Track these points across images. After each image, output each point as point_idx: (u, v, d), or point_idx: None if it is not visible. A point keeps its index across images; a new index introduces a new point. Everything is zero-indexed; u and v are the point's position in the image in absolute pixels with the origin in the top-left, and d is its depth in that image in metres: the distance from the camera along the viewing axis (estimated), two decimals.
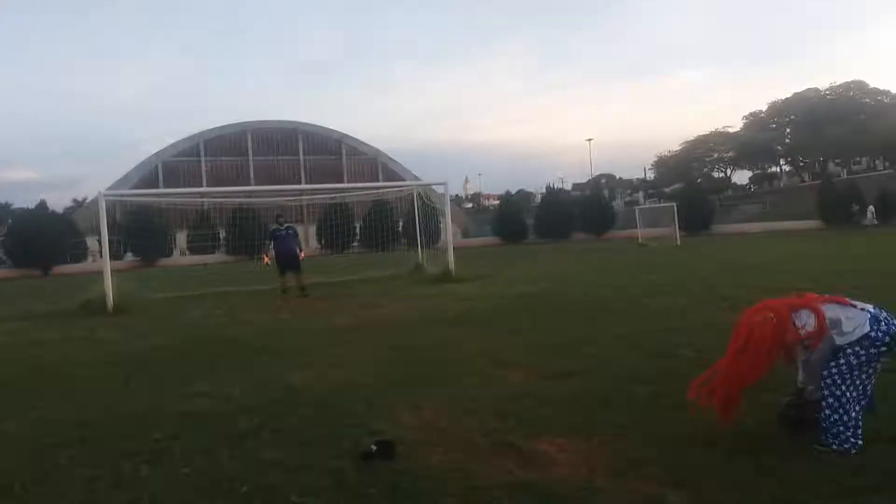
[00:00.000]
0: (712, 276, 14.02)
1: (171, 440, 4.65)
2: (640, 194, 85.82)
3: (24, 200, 46.29)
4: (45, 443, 4.68)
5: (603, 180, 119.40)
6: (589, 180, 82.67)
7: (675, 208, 32.25)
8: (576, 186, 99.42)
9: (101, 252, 41.24)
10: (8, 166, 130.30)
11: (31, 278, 34.35)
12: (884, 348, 3.91)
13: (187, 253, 46.76)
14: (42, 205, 41.33)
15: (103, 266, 13.72)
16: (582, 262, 21.70)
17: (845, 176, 64.43)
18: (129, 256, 43.98)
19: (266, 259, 15.04)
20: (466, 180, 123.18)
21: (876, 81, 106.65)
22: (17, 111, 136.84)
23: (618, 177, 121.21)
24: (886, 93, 75.42)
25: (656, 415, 4.73)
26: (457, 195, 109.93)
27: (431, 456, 4.16)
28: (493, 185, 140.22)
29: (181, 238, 47.21)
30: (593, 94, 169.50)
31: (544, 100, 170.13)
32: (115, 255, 42.11)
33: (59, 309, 13.76)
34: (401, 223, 39.16)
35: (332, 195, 39.84)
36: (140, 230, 38.90)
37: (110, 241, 42.15)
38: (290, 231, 15.00)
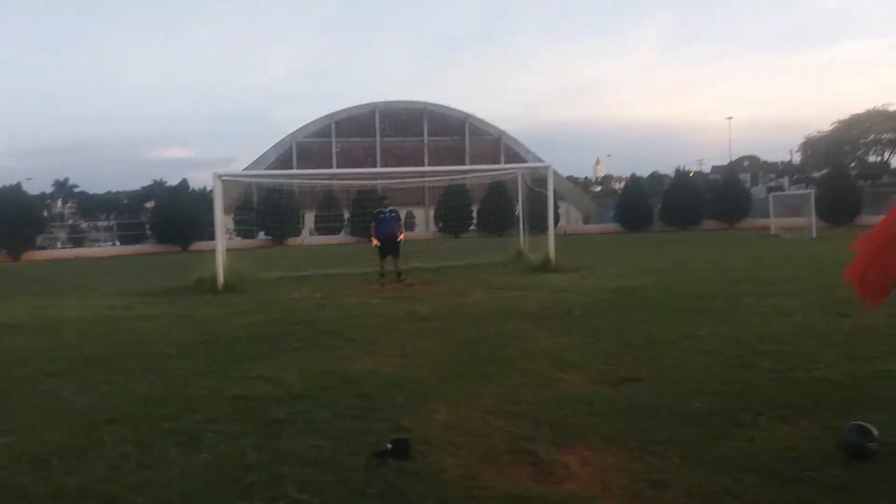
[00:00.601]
0: (836, 277, 12.73)
1: (210, 423, 4.85)
2: (786, 179, 79.79)
3: (179, 179, 50.93)
4: (100, 418, 5.03)
5: (745, 163, 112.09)
6: (727, 163, 77.66)
7: (813, 196, 29.65)
8: (715, 169, 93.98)
9: (233, 231, 43.85)
10: (167, 145, 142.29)
11: (171, 253, 37.37)
12: None
13: (315, 233, 48.84)
14: (184, 183, 44.55)
15: (216, 246, 14.52)
16: (700, 254, 20.50)
17: None
18: (262, 235, 46.76)
19: (375, 241, 15.31)
20: (598, 162, 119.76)
21: None
22: (176, 91, 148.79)
23: (762, 159, 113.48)
24: None
25: (703, 431, 4.36)
26: (585, 178, 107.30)
27: (447, 459, 4.07)
28: (628, 166, 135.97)
29: (310, 218, 49.35)
30: (738, 69, 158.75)
31: (684, 75, 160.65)
32: (247, 234, 45.38)
33: (176, 286, 14.76)
34: (518, 207, 38.83)
35: (451, 177, 40.03)
36: (272, 210, 41.18)
37: (246, 220, 44.57)
38: (392, 214, 15.18)
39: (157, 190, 46.78)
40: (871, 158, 73.28)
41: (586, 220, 56.37)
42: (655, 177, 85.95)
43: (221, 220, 15.16)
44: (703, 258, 18.42)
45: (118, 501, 3.61)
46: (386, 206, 15.41)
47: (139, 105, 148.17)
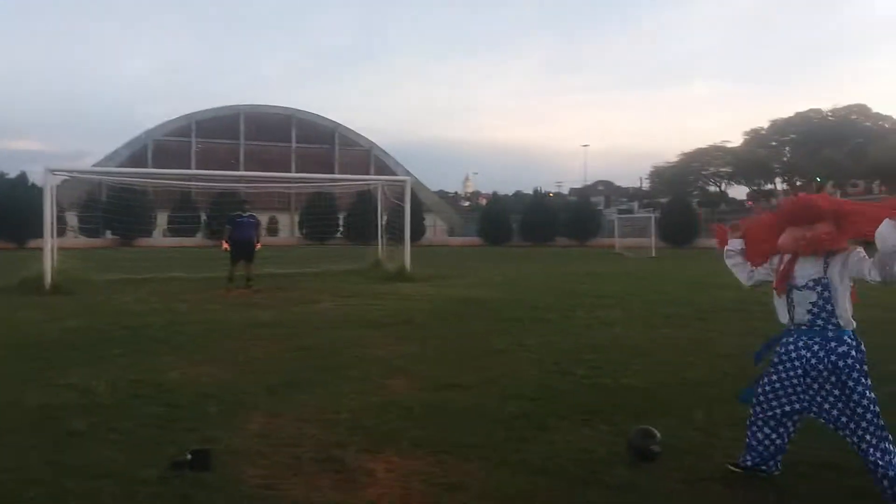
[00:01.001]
0: (663, 291, 13.82)
1: (6, 433, 4.44)
2: (636, 204, 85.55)
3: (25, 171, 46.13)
4: None
5: (600, 187, 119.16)
6: (582, 187, 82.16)
7: (653, 219, 32.07)
8: (573, 191, 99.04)
9: (77, 228, 40.67)
10: (14, 135, 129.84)
11: (4, 250, 34.07)
12: None
13: (168, 234, 46.43)
14: (22, 176, 40.83)
15: (44, 244, 13.40)
16: (548, 268, 21.48)
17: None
18: (109, 234, 43.79)
19: (225, 245, 14.74)
20: (467, 178, 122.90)
21: (879, 106, 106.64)
22: (27, 80, 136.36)
23: (616, 184, 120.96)
24: (888, 118, 75.32)
25: (510, 435, 4.51)
26: (455, 192, 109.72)
27: (250, 469, 3.93)
28: (494, 185, 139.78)
29: (162, 219, 46.87)
30: (597, 101, 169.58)
31: (549, 104, 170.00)
32: (93, 233, 42.29)
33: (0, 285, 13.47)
34: (385, 217, 38.96)
35: (317, 184, 39.47)
36: (122, 208, 38.61)
37: (91, 219, 41.57)
38: (251, 219, 14.75)
39: None
40: (712, 188, 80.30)
41: (451, 233, 57.56)
42: (518, 196, 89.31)
43: (51, 218, 14.00)
44: (549, 272, 19.30)
45: None
46: (245, 211, 14.93)
47: None
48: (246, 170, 54.57)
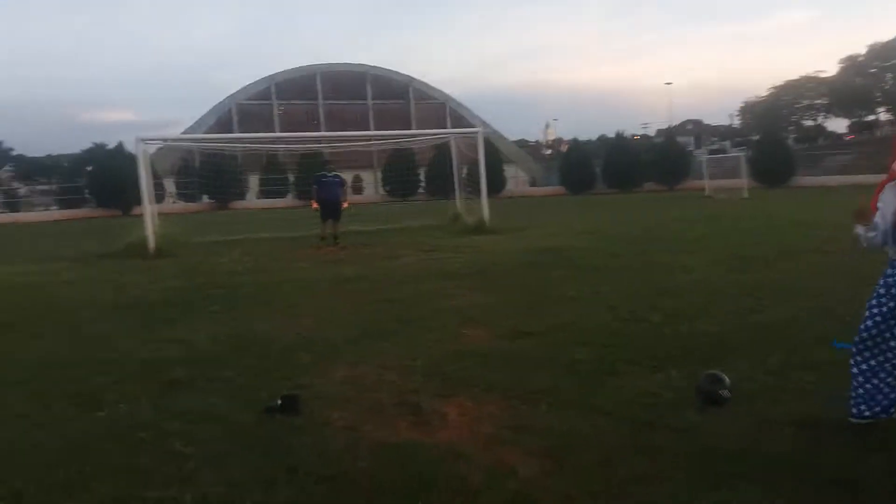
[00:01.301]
0: (749, 233, 13.41)
1: (114, 384, 4.94)
2: (728, 143, 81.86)
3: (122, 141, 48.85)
4: (7, 379, 5.08)
5: (689, 126, 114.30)
6: (668, 127, 79.08)
7: (743, 158, 30.65)
8: (660, 133, 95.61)
9: (175, 195, 42.86)
10: (109, 108, 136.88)
11: (111, 217, 36.43)
12: None
13: (260, 196, 48.22)
14: (120, 146, 43.19)
15: (144, 210, 14.31)
16: (632, 215, 21.09)
17: None
18: (205, 199, 45.94)
19: (314, 204, 15.28)
20: (547, 126, 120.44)
21: None
22: (118, 53, 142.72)
23: (705, 123, 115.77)
24: None
25: (579, 380, 4.65)
26: (536, 141, 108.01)
27: (335, 413, 4.25)
28: (576, 131, 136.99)
29: (254, 181, 48.65)
30: (679, 35, 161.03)
31: (631, 40, 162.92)
32: (190, 198, 44.46)
33: (107, 251, 14.53)
34: (465, 170, 38.94)
35: (395, 141, 39.85)
36: (215, 173, 40.36)
37: (187, 184, 43.65)
38: (335, 179, 15.18)
39: (97, 153, 45.18)
40: (808, 123, 75.67)
41: (533, 183, 57.01)
42: (602, 140, 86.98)
43: (149, 185, 14.92)
44: (633, 219, 18.97)
45: (9, 459, 3.69)
46: (330, 171, 15.39)
47: (79, 67, 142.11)
48: (327, 129, 55.63)
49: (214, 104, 60.54)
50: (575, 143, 52.79)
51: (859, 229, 3.60)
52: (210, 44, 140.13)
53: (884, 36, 72.76)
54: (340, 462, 3.51)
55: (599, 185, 45.58)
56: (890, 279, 3.54)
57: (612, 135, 50.39)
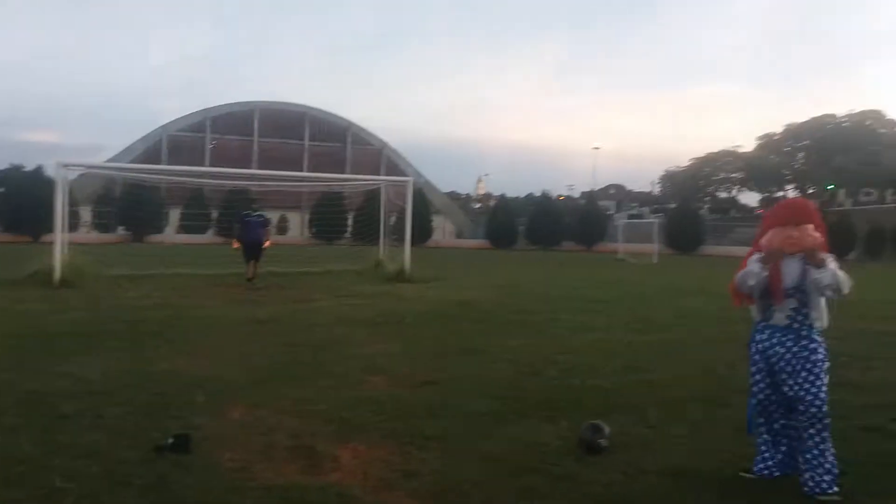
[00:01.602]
0: (652, 297, 14.12)
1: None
2: (647, 209, 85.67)
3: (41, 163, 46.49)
4: None
5: (611, 191, 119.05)
6: (591, 190, 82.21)
7: (657, 225, 32.30)
8: (584, 195, 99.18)
9: (90, 224, 41.08)
10: (31, 127, 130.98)
11: (20, 244, 34.66)
12: None
13: (179, 231, 46.97)
14: (39, 169, 41.46)
15: (55, 238, 13.83)
16: (548, 272, 21.76)
17: (849, 206, 64.05)
18: (121, 230, 44.40)
19: (236, 244, 15.11)
20: (479, 180, 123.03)
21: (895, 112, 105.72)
22: (45, 72, 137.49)
23: (627, 188, 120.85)
24: None
25: (473, 429, 4.81)
26: (467, 194, 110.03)
27: (226, 454, 4.24)
28: (506, 186, 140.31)
29: (174, 215, 47.43)
30: (610, 102, 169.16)
31: (562, 104, 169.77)
32: (106, 228, 42.87)
33: (10, 278, 13.89)
34: (393, 218, 39.24)
35: (327, 184, 39.85)
36: (135, 204, 39.14)
37: (104, 214, 41.96)
38: (259, 219, 15.08)
39: (12, 175, 43.10)
40: (723, 195, 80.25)
41: (459, 235, 57.79)
42: (530, 198, 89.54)
43: (64, 212, 14.43)
44: (547, 277, 19.58)
45: None
46: (254, 211, 15.27)
47: (1, 81, 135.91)
48: (259, 167, 55.03)
49: (145, 133, 59.14)
50: (502, 199, 54.14)
51: (754, 265, 3.84)
52: (145, 72, 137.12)
53: (799, 117, 78.45)
54: (224, 502, 3.52)
55: (522, 241, 46.72)
56: (759, 345, 3.90)
57: (538, 193, 51.97)
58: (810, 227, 3.73)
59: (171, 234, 45.97)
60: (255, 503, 3.51)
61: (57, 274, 13.36)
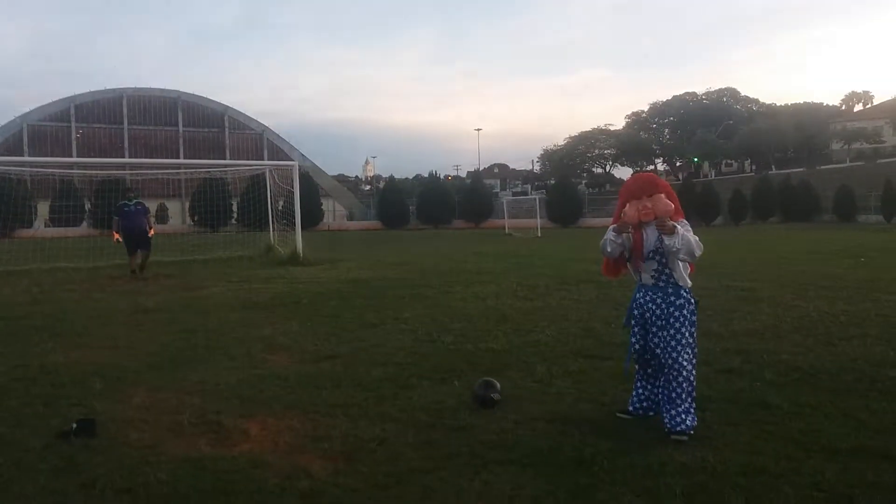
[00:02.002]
0: (537, 267, 14.91)
1: None
2: (529, 186, 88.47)
3: None
4: None
5: (496, 170, 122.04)
6: (476, 170, 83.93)
7: (538, 201, 33.72)
8: (470, 174, 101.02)
9: None
10: None
11: None
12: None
13: (50, 224, 44.01)
14: None
15: None
16: (438, 249, 22.28)
17: (713, 177, 69.07)
18: None
19: (116, 236, 14.35)
20: (367, 162, 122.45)
21: (747, 90, 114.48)
22: None
23: (511, 167, 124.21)
24: (755, 101, 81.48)
25: (374, 395, 5.09)
26: (356, 177, 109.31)
27: (133, 434, 4.32)
28: (394, 168, 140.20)
29: (43, 208, 44.36)
30: (489, 86, 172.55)
31: (445, 88, 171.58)
32: None
33: None
34: (281, 202, 38.48)
35: (207, 170, 38.54)
36: None
37: None
38: (139, 207, 14.44)
39: None
40: (598, 170, 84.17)
41: (351, 217, 57.51)
42: (418, 179, 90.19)
43: None
44: (439, 253, 20.06)
45: None
46: (132, 199, 14.60)
47: None
48: (131, 155, 52.43)
49: (2, 123, 54.62)
50: (391, 181, 54.32)
51: (610, 233, 4.33)
52: (2, 59, 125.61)
53: (662, 96, 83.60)
54: (138, 475, 3.64)
55: (414, 220, 47.21)
56: (636, 302, 4.38)
57: (426, 174, 52.53)
58: (662, 196, 4.24)
59: (40, 227, 43.02)
60: (169, 475, 3.64)
61: None
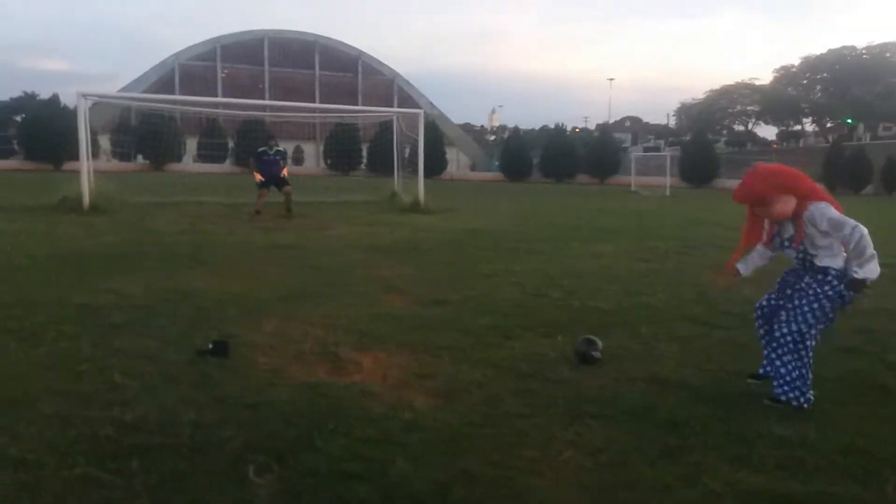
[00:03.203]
0: (660, 227, 14.53)
1: (53, 324, 5.35)
2: (662, 142, 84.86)
3: (54, 92, 46.25)
4: None
5: (627, 123, 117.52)
6: (606, 123, 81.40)
7: (669, 158, 32.36)
8: (598, 127, 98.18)
9: (110, 152, 41.75)
10: (41, 55, 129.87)
11: (41, 171, 35.36)
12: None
13: (197, 160, 47.45)
14: (55, 98, 41.73)
15: (80, 166, 14.32)
16: (560, 204, 22.11)
17: (867, 141, 63.09)
18: (140, 159, 44.94)
19: (258, 176, 15.17)
20: (493, 111, 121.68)
21: None
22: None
23: (644, 121, 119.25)
24: None
25: (479, 341, 5.32)
26: (482, 126, 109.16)
27: (261, 358, 4.80)
28: (520, 119, 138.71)
29: (192, 145, 47.82)
30: (624, 31, 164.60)
31: (576, 34, 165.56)
32: (125, 157, 43.45)
33: (40, 204, 14.50)
34: (407, 150, 39.37)
35: (341, 115, 39.88)
36: (152, 134, 39.55)
37: (122, 143, 42.59)
38: (277, 157, 15.12)
39: (28, 103, 43.46)
40: (739, 127, 79.10)
41: (473, 168, 57.88)
42: (544, 130, 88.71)
43: (87, 141, 14.88)
44: (560, 207, 19.94)
45: None
46: (272, 148, 15.25)
47: (11, 5, 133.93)
48: (270, 97, 55.01)
49: (157, 62, 58.94)
50: (515, 132, 53.97)
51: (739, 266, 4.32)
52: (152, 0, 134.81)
53: (816, 49, 76.65)
54: (264, 394, 4.08)
55: (536, 173, 46.81)
56: (785, 276, 4.24)
57: (553, 126, 51.63)
58: (774, 203, 3.94)
59: (189, 162, 46.48)
60: (290, 395, 4.06)
61: (86, 200, 13.91)
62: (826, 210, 3.90)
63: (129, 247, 9.44)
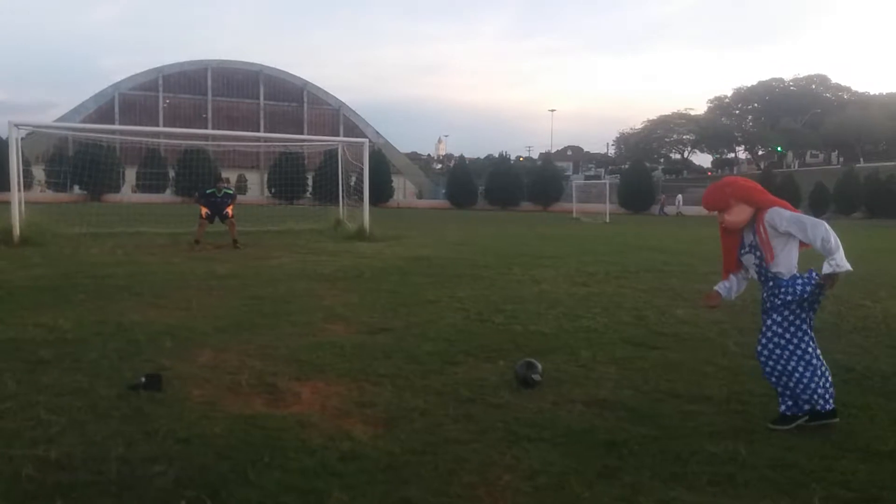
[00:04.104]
0: (599, 253, 14.84)
1: None
2: (603, 170, 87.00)
3: None
4: None
5: (569, 152, 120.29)
6: (548, 152, 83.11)
7: (608, 185, 33.26)
8: (542, 156, 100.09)
9: (44, 183, 40.29)
10: None
11: None
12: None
13: (136, 190, 46.35)
14: None
15: (11, 197, 13.82)
16: (503, 230, 22.38)
17: (796, 168, 66.13)
18: (77, 189, 43.57)
19: (204, 210, 14.72)
20: (440, 140, 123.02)
21: (839, 76, 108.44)
22: None
23: (585, 150, 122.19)
24: (847, 89, 77.18)
25: (421, 368, 5.31)
26: (428, 155, 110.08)
27: (195, 391, 4.67)
28: (467, 147, 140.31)
29: (131, 174, 46.72)
30: (567, 64, 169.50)
31: (521, 66, 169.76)
32: (60, 187, 42.03)
33: None
34: (353, 178, 39.25)
35: (285, 144, 39.61)
36: (89, 164, 38.44)
37: (59, 173, 41.18)
38: (225, 199, 14.80)
39: None
40: (675, 156, 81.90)
41: (420, 196, 58.11)
42: (489, 159, 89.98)
43: (18, 171, 14.38)
44: (503, 235, 20.19)
45: None
46: (220, 190, 14.78)
47: None
48: (214, 126, 54.39)
49: (96, 91, 57.65)
50: (461, 160, 54.60)
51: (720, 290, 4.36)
52: (93, 29, 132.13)
53: (748, 81, 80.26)
54: (196, 427, 3.96)
55: (482, 201, 47.33)
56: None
57: (497, 154, 52.42)
58: (735, 207, 4.10)
59: (128, 192, 45.36)
60: (224, 428, 3.96)
61: (17, 232, 13.41)
62: (783, 212, 4.05)
63: (60, 279, 9.12)
